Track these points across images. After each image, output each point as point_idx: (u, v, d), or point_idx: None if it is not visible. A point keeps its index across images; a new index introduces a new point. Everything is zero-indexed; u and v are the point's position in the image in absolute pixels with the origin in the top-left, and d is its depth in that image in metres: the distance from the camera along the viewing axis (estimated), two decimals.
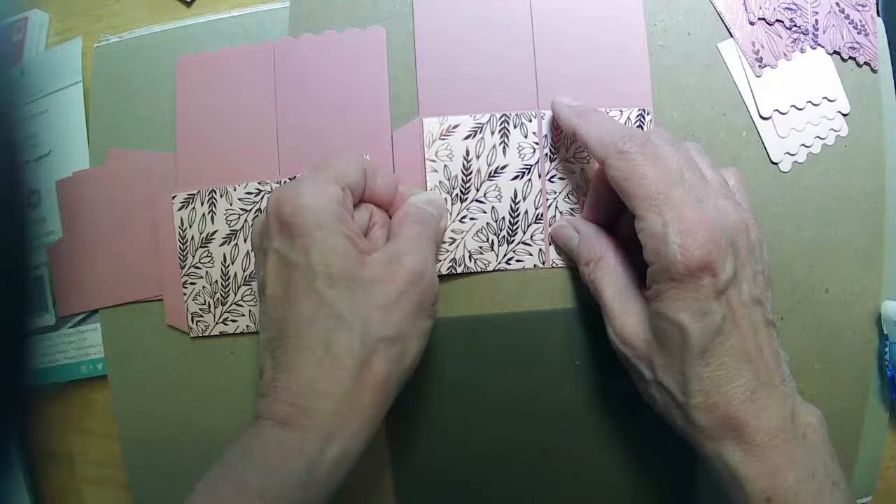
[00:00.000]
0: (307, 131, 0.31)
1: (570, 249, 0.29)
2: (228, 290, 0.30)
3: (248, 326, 0.30)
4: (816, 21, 0.32)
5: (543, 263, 0.29)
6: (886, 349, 0.31)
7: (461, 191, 0.29)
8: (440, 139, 0.29)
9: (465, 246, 0.29)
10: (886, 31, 0.32)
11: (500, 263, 0.29)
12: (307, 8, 0.32)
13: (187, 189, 0.31)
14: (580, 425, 0.30)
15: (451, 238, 0.29)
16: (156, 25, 0.33)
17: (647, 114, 0.30)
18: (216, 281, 0.30)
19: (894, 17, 0.32)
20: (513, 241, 0.29)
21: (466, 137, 0.29)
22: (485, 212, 0.29)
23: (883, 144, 0.31)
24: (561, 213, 0.29)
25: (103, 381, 0.32)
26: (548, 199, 0.29)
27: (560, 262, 0.29)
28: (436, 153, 0.29)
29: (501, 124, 0.29)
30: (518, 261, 0.29)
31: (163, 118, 0.32)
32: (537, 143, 0.29)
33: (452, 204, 0.29)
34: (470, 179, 0.29)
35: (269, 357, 0.23)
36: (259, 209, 0.30)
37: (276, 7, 0.32)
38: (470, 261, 0.29)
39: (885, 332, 0.31)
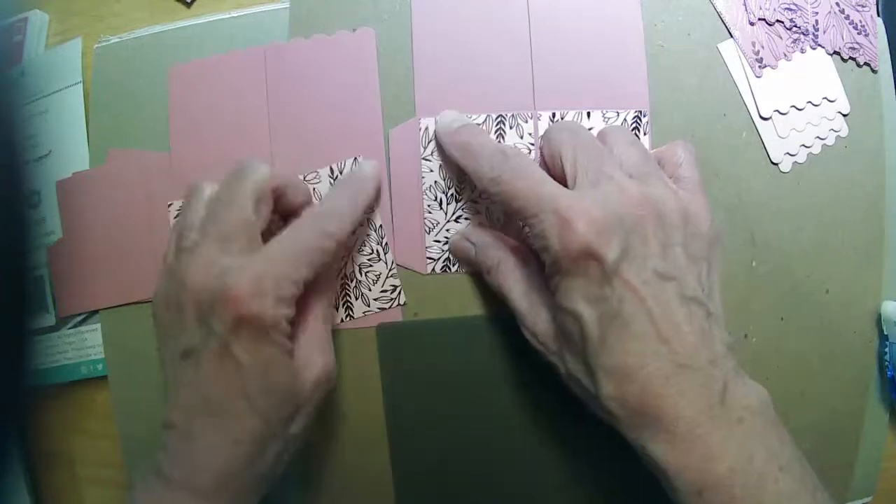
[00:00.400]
0: (300, 135, 0.31)
1: (470, 260, 0.29)
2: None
3: None
4: (816, 21, 0.32)
5: None
6: (886, 349, 0.31)
7: (456, 190, 0.29)
8: (436, 139, 0.29)
9: None
10: (886, 31, 0.32)
11: None
12: (307, 8, 0.32)
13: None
14: (580, 425, 0.30)
15: (446, 238, 0.29)
16: (156, 26, 0.33)
17: (644, 115, 0.30)
18: None
19: (894, 17, 0.32)
20: None
21: None
22: (479, 212, 0.29)
23: (883, 144, 0.31)
24: None
25: (103, 381, 0.32)
26: None
27: None
28: (432, 153, 0.29)
29: (497, 125, 0.29)
30: None
31: (163, 118, 0.32)
32: (533, 144, 0.29)
33: (448, 203, 0.29)
34: (465, 179, 0.29)
35: (202, 428, 0.23)
36: None
37: (276, 7, 0.32)
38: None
39: (885, 332, 0.31)
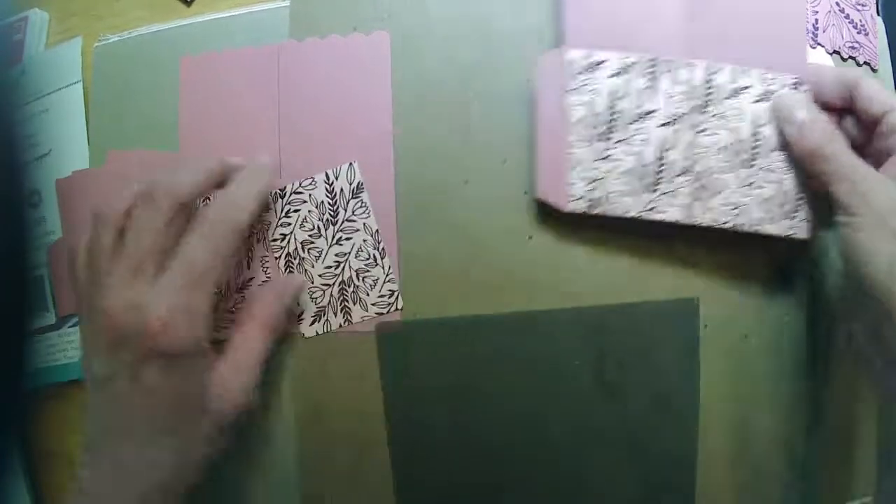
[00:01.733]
0: (308, 135, 0.31)
1: (800, 116, 0.27)
2: (220, 298, 0.31)
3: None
4: (816, 20, 0.32)
5: (686, 218, 0.28)
6: None
7: (606, 129, 0.28)
8: (585, 73, 0.28)
9: (605, 187, 0.28)
10: (886, 31, 0.32)
11: (641, 211, 0.28)
12: (307, 8, 0.32)
13: None
14: (581, 425, 0.30)
15: (593, 177, 0.28)
16: (156, 25, 0.33)
17: (802, 84, 0.28)
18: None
19: (894, 17, 0.32)
20: (656, 189, 0.28)
21: (612, 76, 0.28)
22: (630, 155, 0.28)
23: None
24: (710, 169, 0.27)
25: None
26: (697, 153, 0.28)
27: (705, 222, 0.28)
28: (579, 87, 0.28)
29: (650, 68, 0.28)
30: (660, 211, 0.28)
31: (163, 117, 0.32)
32: (687, 94, 0.28)
33: (597, 142, 0.28)
34: (614, 119, 0.28)
35: (119, 450, 0.23)
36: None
37: (276, 7, 0.32)
38: (609, 202, 0.28)
39: None
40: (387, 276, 0.29)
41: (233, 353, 0.26)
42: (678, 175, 0.28)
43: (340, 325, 0.30)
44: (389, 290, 0.29)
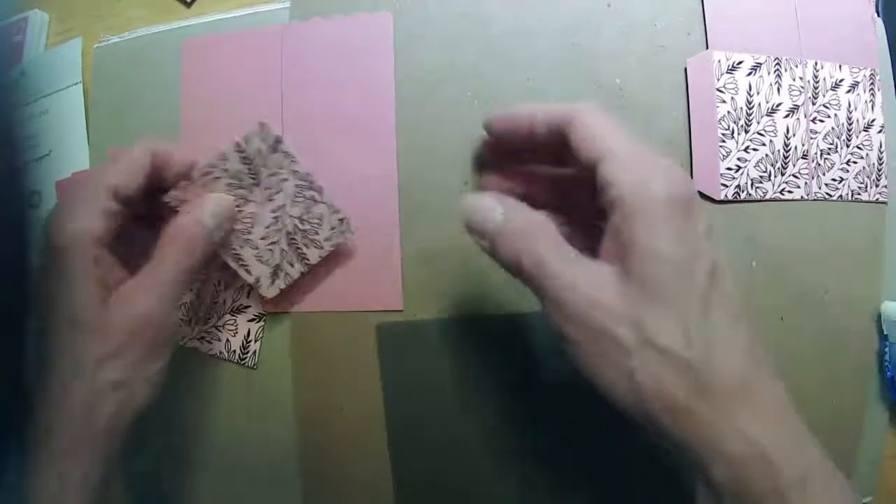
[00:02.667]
0: (312, 116, 0.31)
1: (490, 227, 0.23)
2: (212, 313, 0.31)
3: (220, 353, 0.31)
4: None
5: (808, 195, 0.31)
6: (886, 349, 0.31)
7: (745, 122, 0.31)
8: (727, 73, 0.31)
9: (748, 174, 0.31)
10: (886, 31, 0.32)
11: (775, 193, 0.31)
12: (307, 8, 0.32)
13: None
14: (581, 425, 0.30)
15: (737, 166, 0.31)
16: (156, 25, 0.33)
17: (877, 74, 0.32)
18: (203, 301, 0.31)
19: (894, 17, 0.32)
20: (784, 172, 0.31)
21: (749, 74, 0.31)
22: (764, 144, 0.31)
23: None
24: (821, 151, 0.31)
25: None
26: (812, 137, 0.31)
27: (820, 196, 0.31)
28: (724, 85, 0.31)
29: (776, 66, 0.31)
30: (789, 192, 0.31)
31: (163, 117, 0.32)
32: (803, 87, 0.31)
33: (739, 134, 0.31)
34: (752, 113, 0.31)
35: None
36: None
37: (276, 7, 0.32)
38: (752, 188, 0.31)
39: (885, 332, 0.31)
40: (330, 209, 0.29)
41: (145, 268, 0.25)
42: (800, 158, 0.31)
43: (301, 273, 0.29)
44: (338, 220, 0.29)
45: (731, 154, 0.31)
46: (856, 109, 0.32)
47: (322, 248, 0.29)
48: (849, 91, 0.32)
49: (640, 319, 0.19)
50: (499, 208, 0.23)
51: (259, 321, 0.31)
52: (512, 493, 0.30)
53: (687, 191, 0.20)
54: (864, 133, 0.32)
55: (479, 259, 0.30)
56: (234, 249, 0.28)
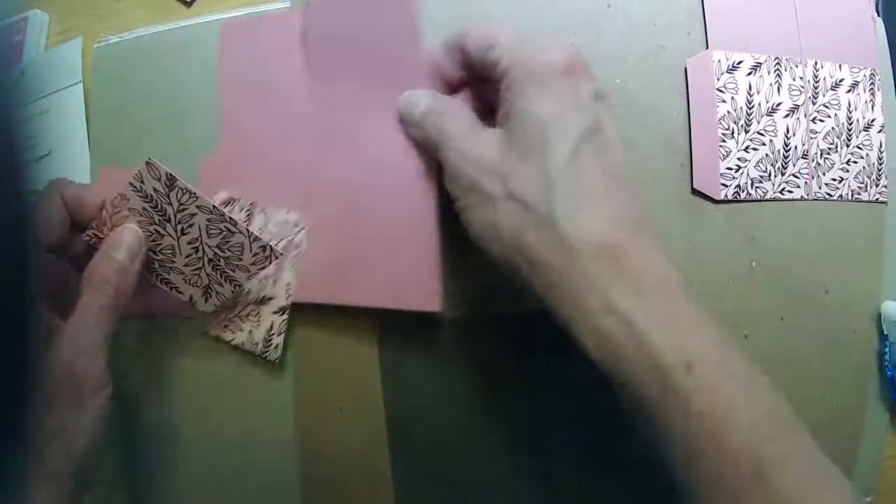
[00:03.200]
0: (345, 92, 0.29)
1: (416, 113, 0.26)
2: (237, 300, 0.30)
3: (242, 343, 0.30)
4: None
5: (808, 195, 0.31)
6: (886, 349, 0.31)
7: (745, 122, 0.31)
8: (727, 73, 0.31)
9: (748, 174, 0.31)
10: (886, 31, 0.32)
11: (775, 193, 0.31)
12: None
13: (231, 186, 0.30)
14: (582, 425, 0.30)
15: (737, 166, 0.31)
16: (156, 25, 0.33)
17: (877, 73, 0.33)
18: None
19: (894, 17, 0.32)
20: (784, 172, 0.31)
21: (748, 73, 0.31)
22: (764, 144, 0.31)
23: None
24: (821, 150, 0.31)
25: None
26: (812, 137, 0.31)
27: (820, 197, 0.31)
28: (724, 85, 0.31)
29: (776, 66, 0.31)
30: (789, 191, 0.31)
31: (163, 117, 0.32)
32: (803, 87, 0.31)
33: (738, 133, 0.31)
34: (752, 113, 0.31)
35: None
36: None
37: (277, 7, 0.32)
38: (752, 188, 0.31)
39: (885, 332, 0.31)
40: (250, 238, 0.28)
41: (75, 313, 0.25)
42: (800, 158, 0.31)
43: (233, 292, 0.29)
44: (259, 247, 0.28)
45: (731, 154, 0.31)
46: (856, 109, 0.32)
47: (249, 271, 0.28)
48: (849, 91, 0.32)
49: (508, 173, 0.21)
50: (424, 99, 0.26)
51: (283, 314, 0.30)
52: (513, 493, 0.30)
53: (564, 58, 0.22)
54: (864, 133, 0.32)
55: (478, 259, 0.30)
56: (161, 275, 0.28)
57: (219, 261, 0.28)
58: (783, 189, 0.31)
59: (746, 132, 0.31)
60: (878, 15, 0.32)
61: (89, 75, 0.33)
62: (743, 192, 0.31)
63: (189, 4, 0.34)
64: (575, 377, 0.30)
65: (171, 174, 0.26)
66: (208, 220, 0.27)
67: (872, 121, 0.32)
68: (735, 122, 0.31)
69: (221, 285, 0.29)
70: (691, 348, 0.18)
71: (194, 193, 0.27)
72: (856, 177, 0.32)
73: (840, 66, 0.32)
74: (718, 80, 0.31)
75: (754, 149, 0.31)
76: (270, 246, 0.28)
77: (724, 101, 0.31)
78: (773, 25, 0.32)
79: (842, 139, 0.32)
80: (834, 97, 0.32)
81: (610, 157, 0.21)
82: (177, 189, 0.26)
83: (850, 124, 0.32)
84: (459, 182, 0.23)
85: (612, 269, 0.19)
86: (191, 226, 0.27)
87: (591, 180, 0.20)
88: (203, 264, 0.28)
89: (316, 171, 0.30)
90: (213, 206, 0.27)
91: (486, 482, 0.30)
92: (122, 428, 0.32)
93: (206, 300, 0.29)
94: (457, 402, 0.30)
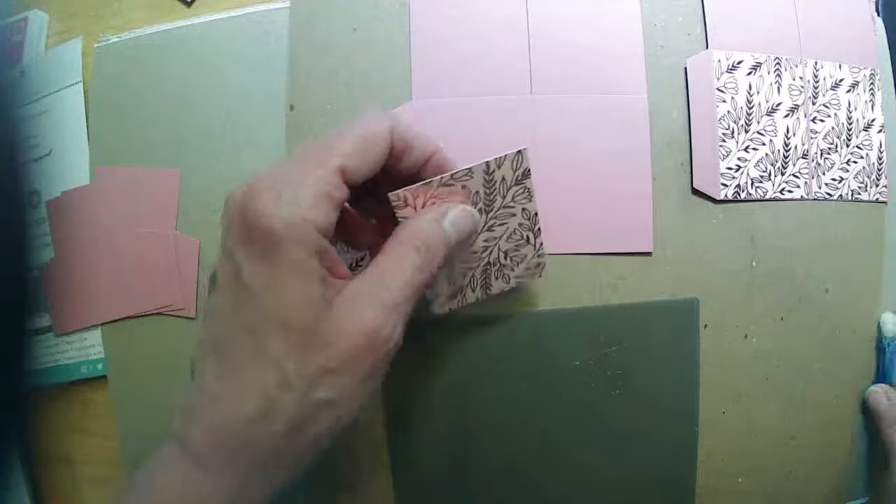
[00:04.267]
0: (558, 70, 0.30)
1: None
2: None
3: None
4: None
5: (808, 195, 0.31)
6: (886, 357, 0.31)
7: (745, 122, 0.31)
8: (727, 72, 0.31)
9: (748, 174, 0.30)
10: (886, 31, 0.32)
11: (775, 193, 0.31)
12: (307, 8, 0.32)
13: None
14: (581, 426, 0.30)
15: (737, 165, 0.31)
16: (156, 25, 0.33)
17: (877, 73, 0.33)
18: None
19: (894, 17, 0.32)
20: (784, 172, 0.31)
21: (748, 73, 0.31)
22: (764, 143, 0.31)
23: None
24: (821, 150, 0.31)
25: (103, 381, 0.32)
26: (812, 137, 0.31)
27: (820, 196, 0.31)
28: (724, 84, 0.31)
29: (776, 65, 0.31)
30: (789, 191, 0.31)
31: (163, 117, 0.32)
32: (803, 87, 0.31)
33: (739, 133, 0.31)
34: (752, 113, 0.31)
35: (207, 373, 0.19)
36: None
37: (277, 7, 0.32)
38: (752, 188, 0.31)
39: (883, 344, 0.31)
40: (536, 251, 0.28)
41: (373, 269, 0.21)
42: (800, 158, 0.31)
43: (477, 299, 0.28)
44: (536, 263, 0.28)
45: (731, 154, 0.31)
46: (856, 109, 0.32)
47: (509, 282, 0.28)
48: (849, 91, 0.32)
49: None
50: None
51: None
52: (513, 493, 0.30)
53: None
54: (864, 133, 0.32)
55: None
56: None
57: (495, 265, 0.27)
58: (783, 189, 0.31)
59: (746, 132, 0.31)
60: (878, 15, 0.32)
61: (89, 75, 0.33)
62: (743, 191, 0.31)
63: (189, 4, 0.34)
64: (574, 378, 0.30)
65: (528, 169, 0.25)
66: (519, 224, 0.27)
67: (872, 121, 0.32)
68: (735, 122, 0.31)
69: (473, 290, 0.28)
70: None
71: (532, 195, 0.26)
72: (856, 177, 0.32)
73: (840, 65, 0.32)
74: (718, 79, 0.31)
75: (754, 149, 0.31)
76: (545, 265, 0.28)
77: (724, 101, 0.31)
78: (774, 25, 0.32)
79: (842, 139, 0.32)
80: (834, 97, 0.32)
81: None
82: (521, 185, 0.26)
83: (850, 124, 0.32)
84: None
85: None
86: (501, 224, 0.26)
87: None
88: (479, 265, 0.27)
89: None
90: (536, 212, 0.26)
91: (488, 483, 0.30)
92: (124, 427, 0.32)
93: (447, 301, 0.27)
94: (457, 402, 0.30)
